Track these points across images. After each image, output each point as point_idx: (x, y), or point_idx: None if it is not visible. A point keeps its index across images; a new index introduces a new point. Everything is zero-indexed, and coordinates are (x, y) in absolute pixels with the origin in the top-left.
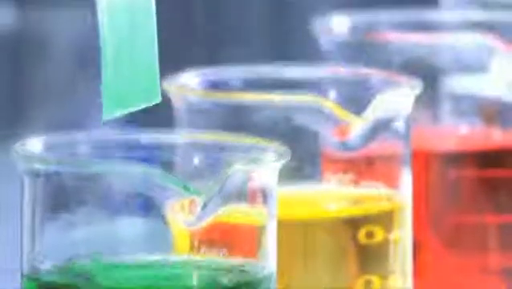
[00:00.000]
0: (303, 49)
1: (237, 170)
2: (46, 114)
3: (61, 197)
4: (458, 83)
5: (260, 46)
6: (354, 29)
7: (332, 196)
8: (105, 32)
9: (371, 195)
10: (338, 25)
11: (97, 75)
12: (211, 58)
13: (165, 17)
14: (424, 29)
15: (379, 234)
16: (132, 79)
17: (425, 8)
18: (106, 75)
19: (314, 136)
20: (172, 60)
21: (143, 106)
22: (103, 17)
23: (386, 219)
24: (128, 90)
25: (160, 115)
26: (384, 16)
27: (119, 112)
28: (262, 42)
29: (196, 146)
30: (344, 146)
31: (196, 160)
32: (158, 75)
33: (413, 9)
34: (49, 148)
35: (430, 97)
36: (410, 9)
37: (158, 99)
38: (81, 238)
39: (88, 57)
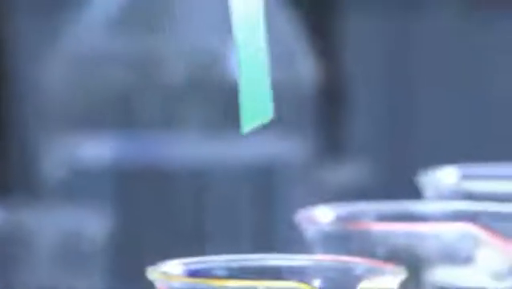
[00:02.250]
0: (288, 240)
1: None
2: None
3: None
4: (443, 273)
5: (245, 238)
6: (338, 219)
7: None
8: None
9: None
10: (322, 215)
11: (81, 272)
12: (196, 250)
13: (153, 214)
14: (408, 220)
15: None
16: (259, 97)
17: (409, 199)
18: (241, 93)
19: None
20: (157, 253)
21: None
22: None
23: None
24: (254, 106)
25: None
26: (368, 207)
27: (253, 125)
28: (247, 235)
29: None
30: None
31: None
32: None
33: (397, 200)
34: None
35: (415, 286)
36: (393, 200)
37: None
38: None
39: (73, 256)
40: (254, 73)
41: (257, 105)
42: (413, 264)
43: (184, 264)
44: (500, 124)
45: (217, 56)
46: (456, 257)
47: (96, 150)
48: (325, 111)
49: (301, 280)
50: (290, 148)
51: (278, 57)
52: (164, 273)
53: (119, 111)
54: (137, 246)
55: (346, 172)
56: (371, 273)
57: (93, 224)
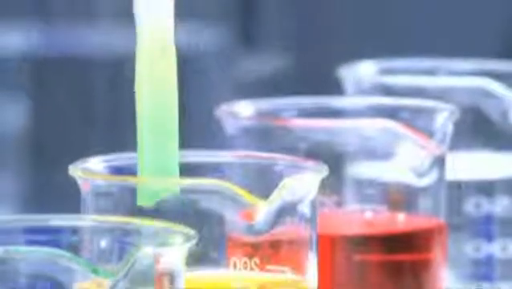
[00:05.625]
0: (208, 134)
1: (145, 253)
2: None
3: None
4: (363, 168)
5: None
6: (259, 114)
7: (238, 280)
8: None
9: (276, 280)
10: (243, 110)
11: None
12: (115, 142)
13: (71, 104)
14: (329, 115)
15: None
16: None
17: (330, 95)
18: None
19: (220, 219)
20: (79, 146)
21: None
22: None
23: None
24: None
25: (67, 198)
26: (289, 102)
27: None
28: None
29: (103, 229)
30: (250, 230)
31: (103, 244)
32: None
33: (318, 96)
34: None
35: (335, 182)
36: (314, 96)
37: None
38: None
39: None
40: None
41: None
42: (334, 160)
43: (106, 161)
44: (418, 18)
45: None
46: (376, 152)
47: (11, 39)
48: (241, 1)
49: (221, 177)
50: (206, 38)
51: None
52: (87, 170)
53: (33, 1)
54: (57, 140)
55: (263, 64)
56: (292, 169)
57: (10, 115)
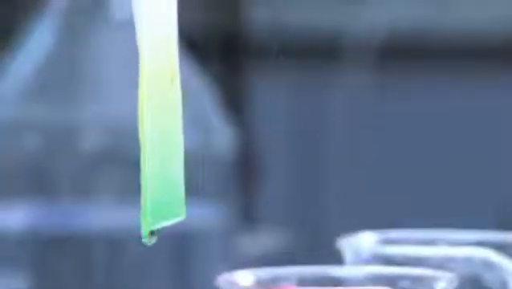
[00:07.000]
0: None
1: None
2: None
3: None
4: None
5: None
6: (258, 283)
7: None
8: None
9: None
10: (242, 279)
11: None
12: None
13: (70, 283)
14: (328, 284)
15: None
16: (165, 195)
17: (329, 264)
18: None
19: None
20: None
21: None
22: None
23: None
24: (161, 205)
25: None
26: (288, 272)
27: (158, 226)
28: None
29: None
30: None
31: None
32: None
33: (318, 265)
34: None
35: None
36: (315, 265)
37: (183, 215)
38: None
39: None
40: (165, 160)
41: (165, 201)
42: None
43: None
44: (415, 189)
45: (134, 124)
46: None
47: (11, 219)
48: (242, 178)
49: None
50: (206, 215)
51: (194, 124)
52: None
53: (33, 180)
54: None
55: (263, 240)
56: None
57: None
